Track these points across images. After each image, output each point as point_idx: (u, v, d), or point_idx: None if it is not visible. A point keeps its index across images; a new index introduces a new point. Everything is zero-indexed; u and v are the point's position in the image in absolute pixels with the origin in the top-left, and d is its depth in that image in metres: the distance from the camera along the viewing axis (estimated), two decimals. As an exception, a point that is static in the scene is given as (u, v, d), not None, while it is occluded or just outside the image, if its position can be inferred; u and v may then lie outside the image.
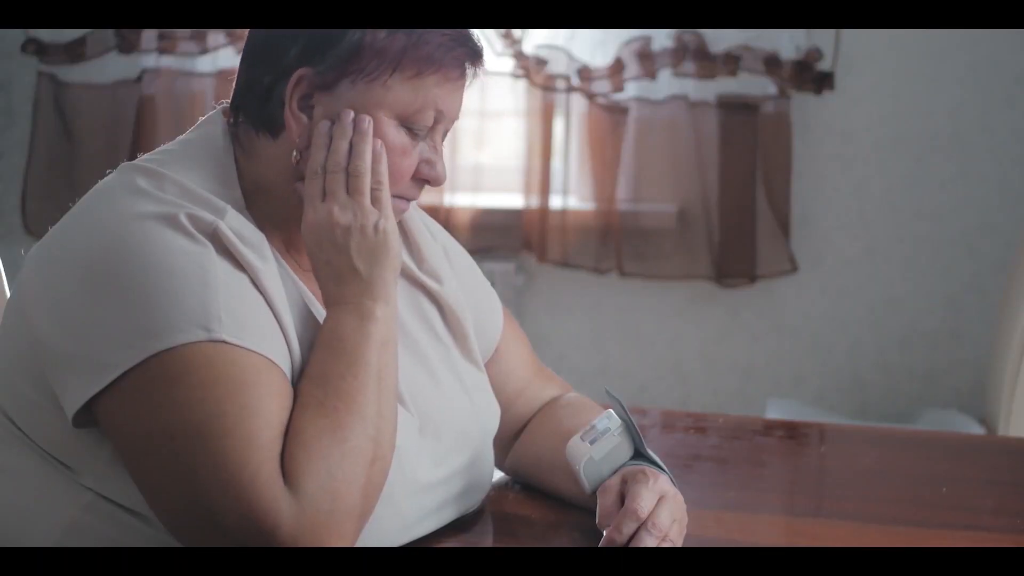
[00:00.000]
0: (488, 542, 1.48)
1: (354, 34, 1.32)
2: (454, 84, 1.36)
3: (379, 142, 1.33)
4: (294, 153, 1.34)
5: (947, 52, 3.11)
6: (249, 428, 1.20)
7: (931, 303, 3.20)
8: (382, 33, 1.32)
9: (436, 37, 1.33)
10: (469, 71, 1.38)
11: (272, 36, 1.36)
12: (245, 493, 1.18)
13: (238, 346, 1.22)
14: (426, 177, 1.38)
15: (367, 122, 1.33)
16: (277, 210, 1.37)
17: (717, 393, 3.29)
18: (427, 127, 1.36)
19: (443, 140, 1.39)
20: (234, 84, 1.40)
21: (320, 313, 1.36)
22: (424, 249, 1.51)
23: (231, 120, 1.39)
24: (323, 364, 1.27)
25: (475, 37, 1.38)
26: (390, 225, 1.34)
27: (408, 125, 1.35)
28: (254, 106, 1.36)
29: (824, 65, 3.11)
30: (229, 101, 1.44)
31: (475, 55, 1.37)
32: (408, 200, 1.39)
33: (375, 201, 1.33)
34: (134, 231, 1.25)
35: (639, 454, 1.44)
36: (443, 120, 1.37)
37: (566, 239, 3.22)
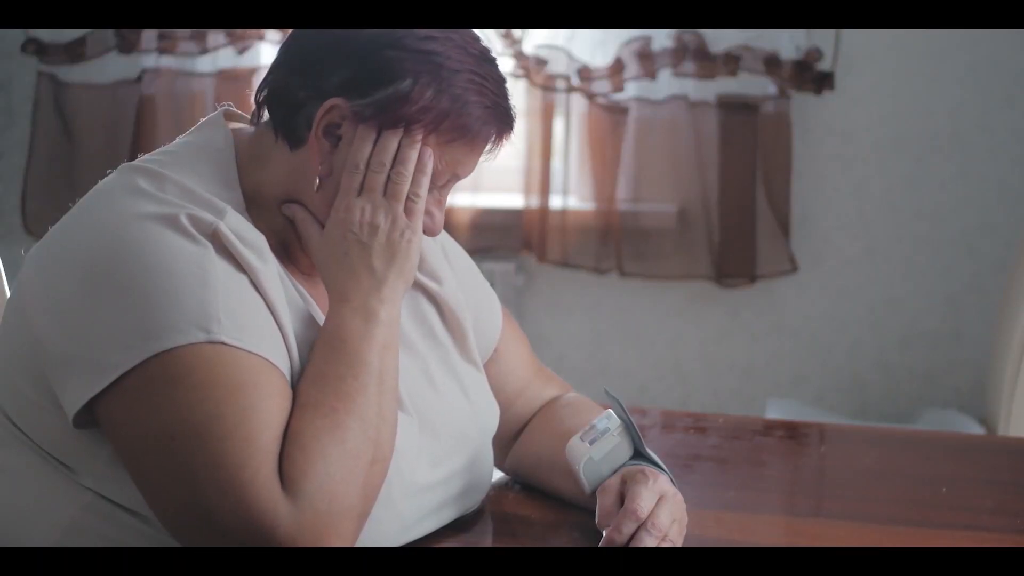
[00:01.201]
0: (488, 542, 1.48)
1: (403, 83, 1.31)
2: (478, 154, 1.37)
3: (428, 151, 1.33)
4: (316, 180, 1.34)
5: (947, 52, 3.11)
6: (248, 429, 1.20)
7: (931, 303, 3.20)
8: (429, 91, 1.31)
9: (477, 109, 1.33)
10: (496, 145, 1.38)
11: (318, 52, 1.34)
12: (243, 494, 1.18)
13: (237, 347, 1.22)
14: (424, 227, 1.38)
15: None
16: (276, 214, 1.37)
17: (717, 393, 3.29)
18: (439, 185, 1.37)
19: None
20: (264, 80, 1.38)
21: (320, 316, 1.36)
22: (424, 250, 1.50)
23: (253, 118, 1.38)
24: (323, 364, 1.27)
25: (512, 109, 1.38)
26: (416, 237, 1.34)
27: None
28: (280, 112, 1.35)
29: (824, 65, 3.11)
30: (231, 103, 1.44)
31: (508, 130, 1.38)
32: None
33: (409, 212, 1.34)
34: (134, 231, 1.25)
35: (639, 454, 1.44)
36: (455, 180, 1.38)
37: (566, 239, 3.22)
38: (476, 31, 1.39)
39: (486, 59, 1.36)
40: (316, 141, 1.33)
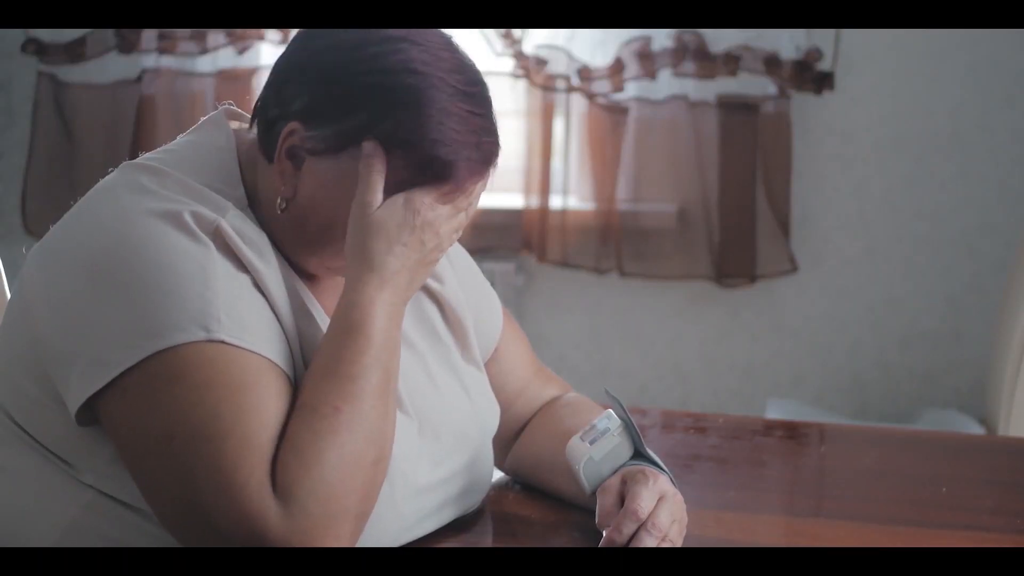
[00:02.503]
0: (488, 542, 1.48)
1: (356, 118, 1.28)
2: (445, 196, 1.31)
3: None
4: (279, 201, 1.32)
5: (947, 52, 3.11)
6: (245, 431, 1.19)
7: (931, 303, 3.20)
8: (383, 126, 1.27)
9: (440, 148, 1.27)
10: (466, 183, 1.31)
11: (289, 71, 1.33)
12: (236, 496, 1.18)
13: (238, 346, 1.22)
14: None
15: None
16: (276, 213, 1.36)
17: (717, 393, 3.29)
18: None
19: None
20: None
21: (320, 314, 1.36)
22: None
23: (249, 124, 1.38)
24: (332, 361, 1.25)
25: (488, 146, 1.30)
26: (440, 258, 1.34)
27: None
28: (260, 125, 1.35)
29: (824, 65, 3.11)
30: (231, 102, 1.44)
31: (478, 170, 1.31)
32: None
33: (457, 231, 1.34)
34: (136, 228, 1.25)
35: (639, 454, 1.44)
36: None
37: (566, 239, 3.22)
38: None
39: (462, 94, 1.30)
40: (279, 163, 1.31)
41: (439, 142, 1.28)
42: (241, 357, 1.22)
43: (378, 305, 1.28)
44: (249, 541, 1.18)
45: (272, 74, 1.36)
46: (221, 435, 1.19)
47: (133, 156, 1.39)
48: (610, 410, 1.45)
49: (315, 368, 1.26)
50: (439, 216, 1.31)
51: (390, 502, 1.31)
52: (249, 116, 1.41)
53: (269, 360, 1.24)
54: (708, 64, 3.11)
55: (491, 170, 1.33)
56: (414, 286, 1.32)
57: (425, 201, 1.30)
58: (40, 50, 3.24)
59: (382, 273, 1.29)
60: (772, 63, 3.09)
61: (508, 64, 3.14)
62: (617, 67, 3.14)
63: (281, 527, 1.18)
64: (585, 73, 3.16)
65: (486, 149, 1.31)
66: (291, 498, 1.19)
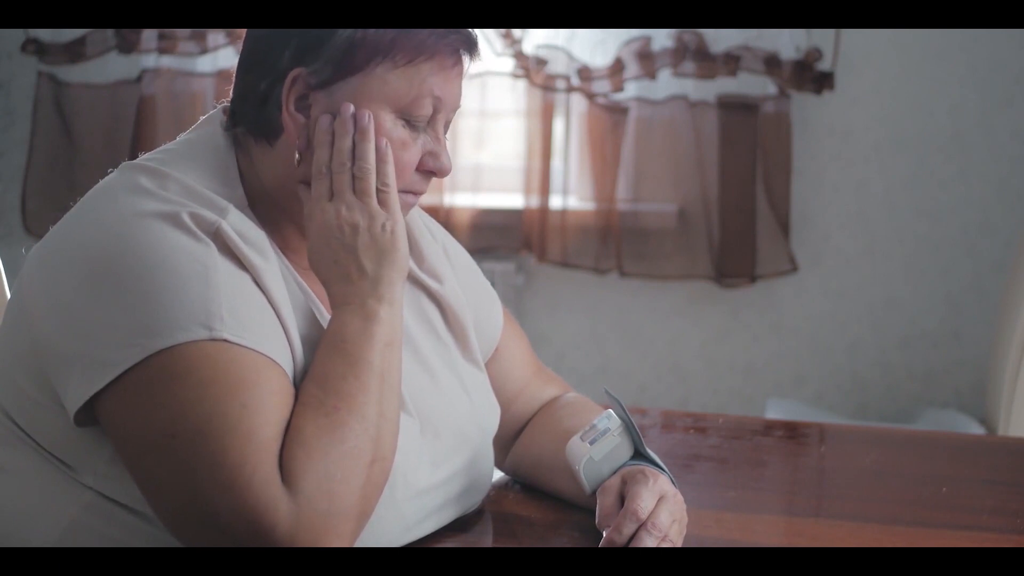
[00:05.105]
0: (488, 542, 1.48)
1: (345, 30, 1.32)
2: (449, 71, 1.36)
3: (384, 140, 1.33)
4: (295, 155, 1.34)
5: (947, 52, 3.11)
6: (248, 426, 1.20)
7: (931, 303, 3.20)
8: (372, 29, 1.32)
9: (426, 30, 1.34)
10: (465, 58, 1.37)
11: (264, 41, 1.36)
12: (243, 492, 1.18)
13: (239, 345, 1.22)
14: (431, 169, 1.38)
15: (367, 119, 1.32)
16: (276, 212, 1.37)
17: (717, 393, 3.29)
18: (426, 117, 1.36)
19: (446, 131, 1.39)
20: (231, 91, 1.39)
21: (321, 311, 1.36)
22: (424, 249, 1.51)
23: (230, 127, 1.39)
24: (325, 364, 1.27)
25: (468, 29, 1.38)
26: (398, 227, 1.34)
27: (407, 117, 1.35)
28: (251, 113, 1.36)
29: (824, 65, 3.11)
30: (229, 104, 1.44)
31: (468, 43, 1.37)
32: (416, 194, 1.39)
33: (382, 203, 1.33)
34: (136, 230, 1.25)
35: (639, 454, 1.44)
36: (443, 109, 1.37)
37: (566, 239, 3.22)
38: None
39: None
40: (290, 117, 1.33)
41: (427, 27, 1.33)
42: (243, 355, 1.22)
43: (367, 306, 1.29)
44: (255, 537, 1.18)
45: (241, 66, 1.40)
46: (223, 432, 1.19)
47: (133, 156, 1.40)
48: (610, 410, 1.45)
49: (316, 366, 1.27)
50: (354, 212, 1.32)
51: (391, 503, 1.31)
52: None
53: (270, 358, 1.25)
54: (708, 64, 3.11)
55: (473, 58, 1.39)
56: (396, 276, 1.33)
57: (340, 211, 1.31)
58: (40, 50, 3.24)
59: (361, 276, 1.31)
60: (772, 63, 3.09)
61: (508, 64, 3.14)
62: (617, 67, 3.14)
63: (288, 522, 1.18)
64: (585, 73, 3.16)
65: (468, 35, 1.37)
66: (299, 491, 1.19)
